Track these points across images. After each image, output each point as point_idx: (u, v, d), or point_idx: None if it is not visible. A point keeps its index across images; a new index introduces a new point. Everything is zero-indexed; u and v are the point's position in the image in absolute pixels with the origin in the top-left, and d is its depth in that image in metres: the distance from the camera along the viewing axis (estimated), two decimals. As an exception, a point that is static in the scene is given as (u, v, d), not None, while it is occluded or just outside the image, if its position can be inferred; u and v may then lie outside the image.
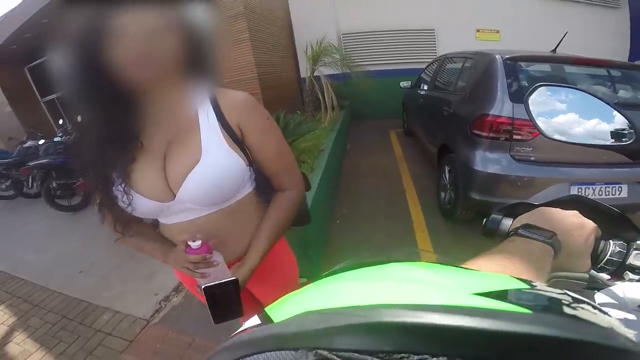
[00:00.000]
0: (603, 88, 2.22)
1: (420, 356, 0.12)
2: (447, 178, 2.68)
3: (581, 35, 5.82)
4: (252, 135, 0.70)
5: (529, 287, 0.18)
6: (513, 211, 0.52)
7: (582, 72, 2.31)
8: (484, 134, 2.09)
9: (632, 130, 0.52)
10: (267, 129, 0.73)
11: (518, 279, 0.19)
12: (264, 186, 0.80)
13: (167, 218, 0.74)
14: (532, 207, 0.53)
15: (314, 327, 0.15)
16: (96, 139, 0.61)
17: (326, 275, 0.24)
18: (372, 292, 0.18)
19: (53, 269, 2.88)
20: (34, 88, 8.12)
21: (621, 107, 1.77)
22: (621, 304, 0.49)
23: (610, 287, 0.53)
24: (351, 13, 6.52)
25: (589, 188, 1.99)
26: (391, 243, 2.54)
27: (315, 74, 4.86)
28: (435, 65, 3.91)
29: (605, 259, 0.45)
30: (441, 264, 0.25)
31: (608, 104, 0.54)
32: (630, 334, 0.14)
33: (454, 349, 0.12)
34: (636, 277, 0.44)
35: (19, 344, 2.02)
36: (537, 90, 0.58)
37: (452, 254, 2.35)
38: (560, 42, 2.60)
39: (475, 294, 0.16)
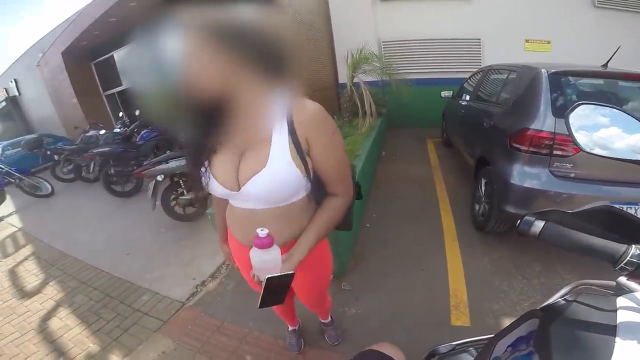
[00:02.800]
0: None
1: None
2: (483, 190, 2.64)
3: (638, 49, 5.39)
4: (317, 148, 0.77)
5: None
6: (546, 216, 0.57)
7: (636, 87, 2.17)
8: (524, 147, 2.06)
9: None
10: (332, 144, 0.80)
11: None
12: (317, 191, 0.87)
13: (233, 201, 0.90)
14: (565, 214, 0.59)
15: None
16: (193, 135, 0.76)
17: None
18: None
19: (103, 250, 3.11)
20: (98, 82, 8.81)
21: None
22: None
23: (633, 293, 0.57)
24: (392, 21, 6.47)
25: (630, 208, 1.90)
26: (418, 248, 2.56)
27: (354, 81, 4.91)
28: (479, 76, 3.84)
29: (626, 260, 0.50)
30: None
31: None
32: None
33: None
34: None
35: (62, 319, 2.18)
36: (578, 108, 0.61)
37: (481, 264, 2.32)
38: (612, 56, 2.48)
39: None
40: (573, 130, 0.60)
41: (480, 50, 6.43)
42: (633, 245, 0.50)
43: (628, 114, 0.57)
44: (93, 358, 1.83)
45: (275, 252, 0.78)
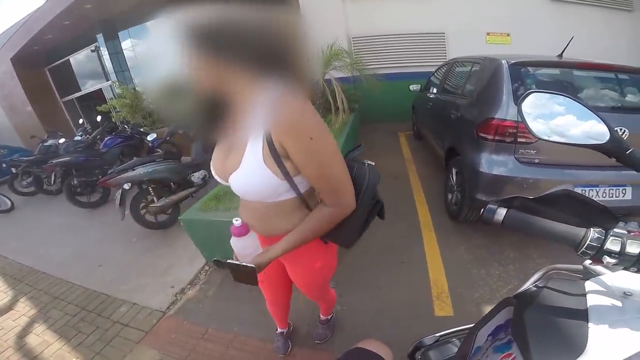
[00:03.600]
0: (610, 92, 2.24)
1: None
2: (454, 180, 2.72)
3: (593, 39, 5.75)
4: (293, 154, 0.72)
5: None
6: (509, 203, 0.58)
7: (589, 75, 2.32)
8: (490, 137, 2.14)
9: (610, 132, 0.56)
10: (310, 150, 0.72)
11: None
12: (309, 197, 0.86)
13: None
14: (528, 200, 0.59)
15: None
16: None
17: None
18: None
19: (73, 263, 2.96)
20: (54, 88, 8.32)
21: (625, 110, 1.80)
22: (609, 292, 0.56)
23: (599, 277, 0.60)
24: (361, 17, 6.52)
25: (592, 190, 2.03)
26: (397, 241, 2.60)
27: (325, 77, 4.91)
28: (444, 69, 3.93)
29: (586, 244, 0.51)
30: None
31: (594, 113, 0.58)
32: None
33: None
34: (613, 260, 0.50)
35: (39, 334, 2.08)
36: (529, 96, 0.64)
37: (458, 253, 2.39)
38: (566, 46, 2.62)
39: None
40: (526, 117, 0.61)
41: (444, 44, 6.62)
42: (591, 229, 0.51)
43: (577, 101, 0.59)
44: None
45: (250, 240, 0.86)
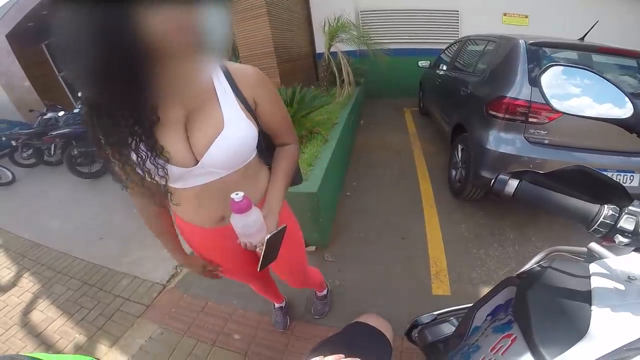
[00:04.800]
0: (630, 78, 2.18)
1: None
2: (460, 157, 2.70)
3: (615, 25, 5.52)
4: (265, 105, 0.81)
5: None
6: (520, 176, 0.56)
7: (610, 61, 2.26)
8: (500, 114, 2.09)
9: (634, 107, 0.53)
10: (276, 97, 0.85)
11: None
12: (263, 149, 0.91)
13: (184, 182, 0.77)
14: (538, 175, 0.57)
15: None
16: (115, 111, 0.61)
17: None
18: None
19: (75, 235, 2.97)
20: (52, 63, 8.21)
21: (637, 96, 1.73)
22: (613, 275, 0.55)
23: (604, 260, 0.58)
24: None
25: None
26: (398, 216, 2.60)
27: (332, 50, 4.82)
28: (457, 47, 3.86)
29: (599, 221, 0.49)
30: None
31: (619, 87, 0.55)
32: None
33: None
34: (625, 240, 0.48)
35: (43, 311, 2.08)
36: (549, 69, 0.60)
37: (458, 231, 2.39)
38: (589, 30, 2.52)
39: None
40: (546, 91, 0.59)
41: (457, 22, 6.44)
42: (605, 206, 0.50)
43: (601, 76, 0.57)
44: (81, 348, 1.78)
45: (256, 212, 0.75)
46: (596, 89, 0.57)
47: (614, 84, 0.55)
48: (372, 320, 0.84)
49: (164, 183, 0.71)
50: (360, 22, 6.28)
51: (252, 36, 5.01)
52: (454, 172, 2.83)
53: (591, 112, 0.57)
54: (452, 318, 0.92)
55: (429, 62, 4.69)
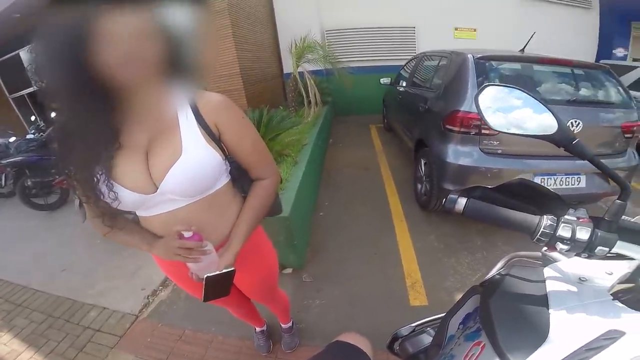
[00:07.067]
0: (566, 86, 2.36)
1: None
2: (423, 170, 2.80)
3: (554, 35, 6.11)
4: (228, 133, 0.77)
5: None
6: (470, 193, 0.60)
7: (548, 70, 2.44)
8: (456, 128, 2.22)
9: (558, 124, 0.57)
10: (243, 127, 0.80)
11: None
12: (240, 177, 0.87)
13: (148, 210, 0.78)
14: (487, 190, 0.61)
15: None
16: (77, 135, 0.63)
17: None
18: None
19: (34, 268, 2.77)
20: (1, 83, 7.68)
21: (579, 104, 1.92)
22: (565, 278, 0.60)
23: (556, 263, 0.64)
24: (334, 10, 6.53)
25: (550, 178, 2.16)
26: (371, 232, 2.64)
27: (298, 70, 4.88)
28: (413, 63, 4.01)
29: (540, 231, 0.52)
30: None
31: (545, 105, 0.59)
32: None
33: None
34: (565, 247, 0.51)
35: (6, 344, 1.95)
36: (485, 90, 0.64)
37: (429, 242, 2.47)
38: (528, 42, 2.75)
39: None
40: (485, 110, 0.62)
41: (414, 38, 6.76)
42: (545, 216, 0.53)
43: (531, 95, 0.60)
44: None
45: (207, 249, 0.77)
46: (527, 106, 0.60)
47: (540, 102, 0.59)
48: (352, 338, 0.85)
49: (115, 206, 0.71)
50: (326, 41, 6.43)
51: (217, 58, 5.00)
52: (419, 186, 2.93)
53: (523, 129, 0.61)
54: (428, 328, 0.94)
55: (389, 79, 4.83)
